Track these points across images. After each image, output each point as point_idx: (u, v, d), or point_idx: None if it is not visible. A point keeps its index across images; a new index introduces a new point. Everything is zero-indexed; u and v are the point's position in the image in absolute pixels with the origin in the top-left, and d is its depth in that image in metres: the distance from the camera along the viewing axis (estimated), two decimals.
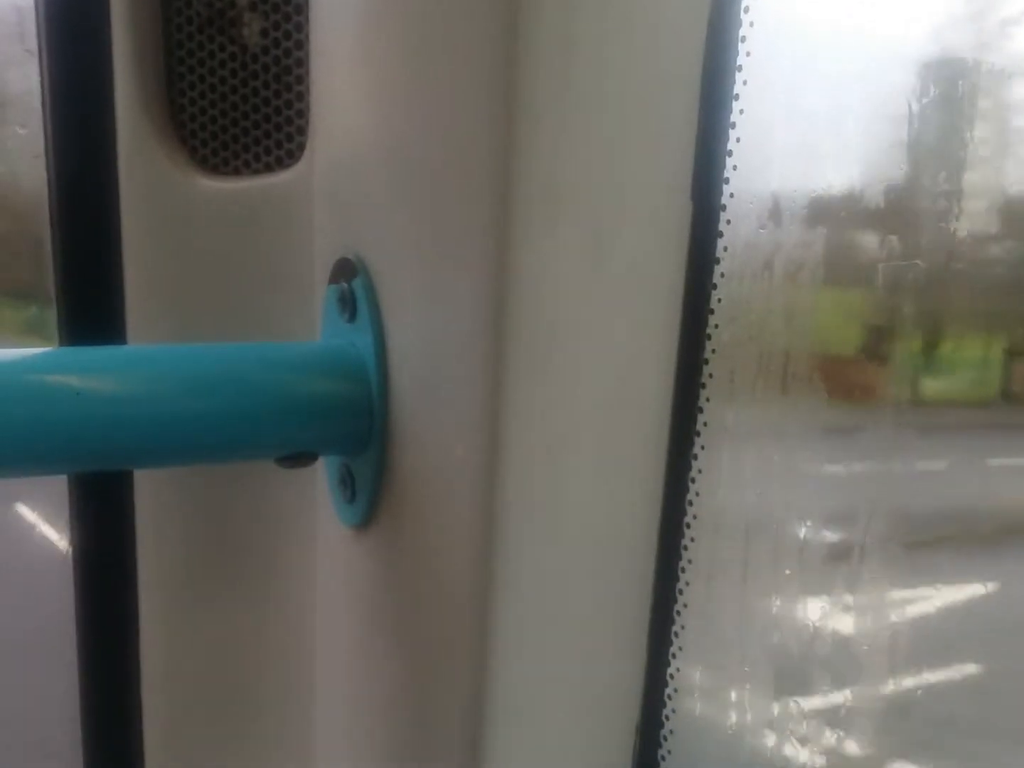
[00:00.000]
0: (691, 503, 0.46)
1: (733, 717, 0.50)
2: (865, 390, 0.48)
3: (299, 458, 0.49)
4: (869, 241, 0.44)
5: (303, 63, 0.55)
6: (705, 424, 0.45)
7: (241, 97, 0.57)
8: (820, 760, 0.50)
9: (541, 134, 0.37)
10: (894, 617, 0.47)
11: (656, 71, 0.39)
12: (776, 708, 0.50)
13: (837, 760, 0.50)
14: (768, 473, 0.48)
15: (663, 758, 0.48)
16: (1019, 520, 0.49)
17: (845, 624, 0.48)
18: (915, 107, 0.39)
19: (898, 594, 0.47)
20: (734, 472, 0.47)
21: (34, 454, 0.43)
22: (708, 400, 0.45)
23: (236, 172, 0.58)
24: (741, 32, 0.40)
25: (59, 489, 0.63)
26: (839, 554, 0.47)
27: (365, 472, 0.49)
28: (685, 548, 0.46)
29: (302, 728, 0.60)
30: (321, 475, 0.55)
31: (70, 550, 0.62)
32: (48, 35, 0.59)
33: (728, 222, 0.42)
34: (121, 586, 0.62)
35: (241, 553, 0.61)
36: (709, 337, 0.44)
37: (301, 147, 0.56)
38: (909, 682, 0.48)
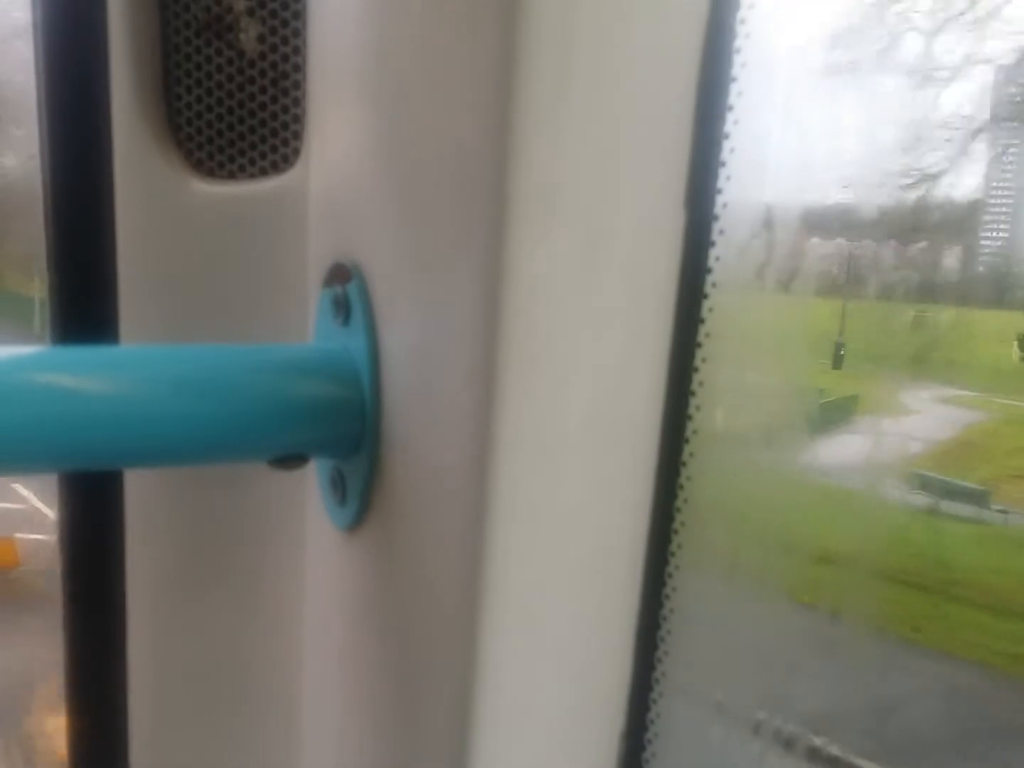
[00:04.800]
0: (679, 509, 0.46)
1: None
2: None
3: (290, 460, 0.49)
4: None
5: (300, 68, 0.56)
6: (695, 431, 0.45)
7: (237, 101, 0.57)
8: None
9: (537, 142, 0.37)
10: None
11: (652, 81, 0.40)
12: None
13: None
14: None
15: (647, 761, 0.48)
16: None
17: None
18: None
19: None
20: None
21: (25, 452, 0.43)
22: (698, 408, 0.45)
23: (231, 176, 0.58)
24: (737, 43, 0.40)
25: None
26: None
27: (356, 475, 0.49)
28: (673, 553, 0.47)
29: (289, 731, 0.60)
30: (312, 477, 0.55)
31: (58, 548, 0.62)
32: (45, 36, 0.59)
33: (721, 232, 0.42)
34: (110, 586, 0.62)
35: (230, 554, 0.61)
36: (699, 345, 0.44)
37: (297, 152, 0.56)
38: None
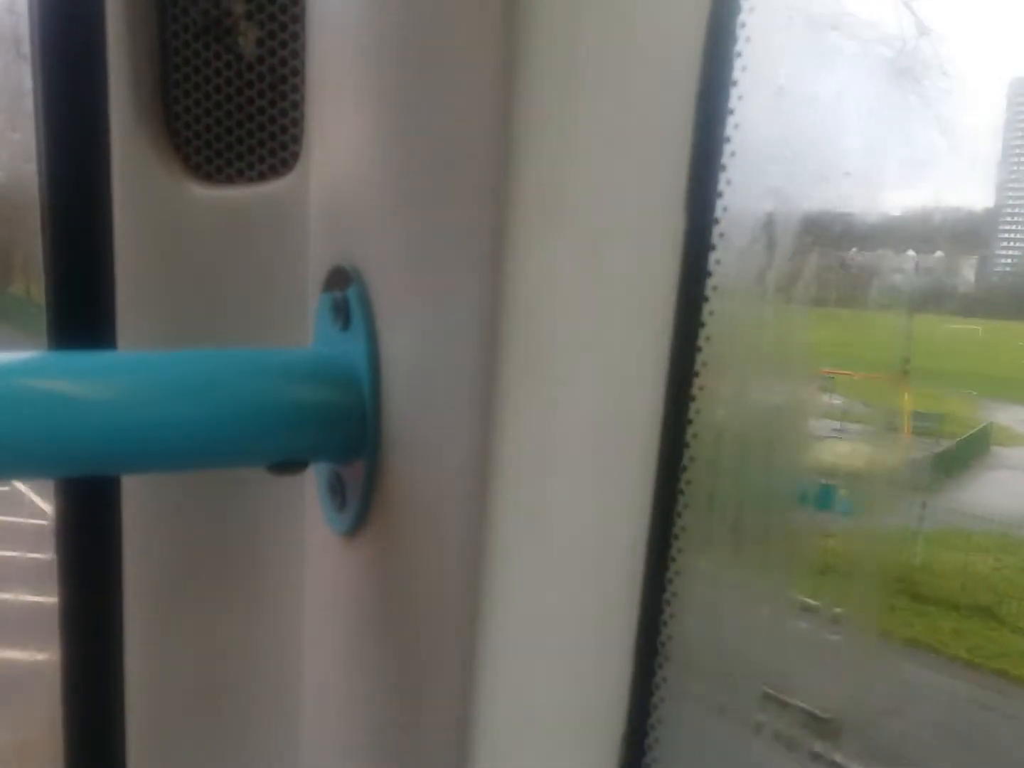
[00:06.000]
0: (680, 514, 0.46)
1: None
2: None
3: (289, 465, 0.49)
4: None
5: (299, 72, 0.56)
6: (695, 436, 0.45)
7: (236, 105, 0.57)
8: None
9: (538, 145, 0.37)
10: None
11: (653, 84, 0.40)
12: None
13: None
14: None
15: (648, 766, 0.48)
16: None
17: None
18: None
19: None
20: None
21: (21, 458, 0.43)
22: (698, 412, 0.45)
23: (230, 180, 0.58)
24: (737, 47, 0.40)
25: None
26: None
27: (356, 480, 0.49)
28: (673, 559, 0.46)
29: (289, 738, 0.60)
30: (311, 482, 0.55)
31: (55, 554, 0.62)
32: (42, 40, 0.59)
33: (721, 235, 0.42)
34: (106, 592, 0.61)
35: (228, 559, 0.61)
36: (700, 349, 0.44)
37: (296, 156, 0.56)
38: None
